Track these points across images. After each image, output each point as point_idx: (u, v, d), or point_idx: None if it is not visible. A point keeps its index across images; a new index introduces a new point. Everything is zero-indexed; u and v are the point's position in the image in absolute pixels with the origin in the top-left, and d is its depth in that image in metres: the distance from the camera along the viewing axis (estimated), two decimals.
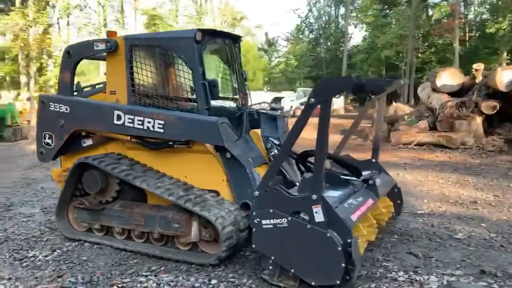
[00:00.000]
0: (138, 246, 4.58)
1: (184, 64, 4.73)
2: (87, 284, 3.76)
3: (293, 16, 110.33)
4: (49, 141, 5.35)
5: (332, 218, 3.59)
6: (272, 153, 5.24)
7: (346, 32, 40.94)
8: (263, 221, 3.73)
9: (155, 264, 4.23)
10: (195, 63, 4.62)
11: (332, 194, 4.29)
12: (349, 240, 3.48)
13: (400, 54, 33.96)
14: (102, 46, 5.02)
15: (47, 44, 32.04)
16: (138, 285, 3.72)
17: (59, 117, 5.20)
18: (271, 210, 3.69)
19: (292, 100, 28.90)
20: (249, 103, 5.56)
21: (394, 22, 33.86)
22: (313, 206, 3.58)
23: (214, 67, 5.36)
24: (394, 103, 16.42)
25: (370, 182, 4.59)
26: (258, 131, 5.46)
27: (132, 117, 4.72)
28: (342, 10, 47.99)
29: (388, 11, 37.60)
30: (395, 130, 13.69)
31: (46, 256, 4.43)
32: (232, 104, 5.38)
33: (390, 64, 38.05)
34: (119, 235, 4.77)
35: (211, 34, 4.99)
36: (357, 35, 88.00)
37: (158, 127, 4.61)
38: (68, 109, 5.15)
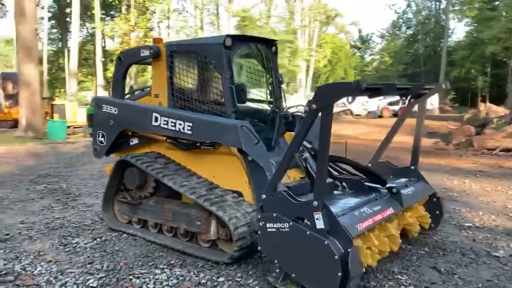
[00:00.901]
0: (166, 240, 4.88)
1: (214, 68, 4.94)
2: (109, 272, 4.11)
3: (389, 12, 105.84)
4: (102, 139, 5.90)
5: (334, 226, 3.53)
6: (304, 156, 5.25)
7: (446, 27, 38.40)
8: (268, 225, 3.77)
9: (177, 258, 4.47)
10: (223, 68, 4.79)
11: (348, 201, 4.20)
12: (348, 249, 3.41)
13: (509, 50, 31.04)
14: (146, 53, 5.39)
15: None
16: (151, 276, 3.98)
17: (109, 118, 5.71)
18: (274, 214, 3.74)
19: (380, 100, 27.93)
20: (285, 106, 5.61)
21: (504, 14, 30.99)
22: (314, 213, 3.55)
23: (245, 71, 5.48)
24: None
25: (394, 190, 4.38)
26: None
27: (166, 119, 5.03)
28: (443, 4, 45.13)
29: (497, 2, 34.56)
30: (479, 134, 12.63)
31: (86, 243, 4.91)
32: (266, 107, 5.47)
33: (496, 61, 35.01)
34: (153, 228, 5.13)
35: (242, 39, 5.13)
36: (459, 30, 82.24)
37: (187, 129, 4.85)
38: (116, 110, 5.63)
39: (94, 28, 37.31)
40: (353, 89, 3.36)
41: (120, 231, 5.31)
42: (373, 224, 3.88)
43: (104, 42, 44.96)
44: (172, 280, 3.90)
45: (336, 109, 31.42)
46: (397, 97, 29.49)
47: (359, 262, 3.47)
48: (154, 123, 5.16)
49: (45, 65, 35.14)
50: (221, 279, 3.94)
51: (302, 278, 3.62)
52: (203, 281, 3.89)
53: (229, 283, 3.86)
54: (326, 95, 3.44)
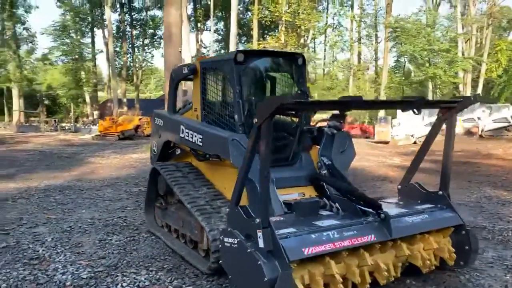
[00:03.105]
0: (175, 245, 5.17)
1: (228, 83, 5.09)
2: (108, 267, 4.57)
3: None
4: (155, 148, 6.54)
5: (276, 246, 3.36)
6: (321, 173, 5.01)
7: None
8: (225, 239, 3.77)
9: (174, 264, 4.71)
10: (233, 82, 4.91)
11: (325, 222, 3.89)
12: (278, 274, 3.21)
13: None
14: (186, 70, 5.84)
15: None
16: (134, 276, 4.31)
17: (158, 130, 6.32)
18: (229, 229, 3.72)
19: None
20: (310, 120, 5.42)
21: None
22: (257, 230, 3.44)
23: (263, 85, 5.45)
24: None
25: (382, 216, 3.88)
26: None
27: (188, 131, 5.36)
28: None
29: None
30: None
31: (117, 241, 5.51)
32: (289, 121, 5.37)
33: None
34: (173, 233, 5.47)
35: (257, 54, 5.17)
36: None
37: (199, 141, 5.11)
38: (162, 123, 6.20)
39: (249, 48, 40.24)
40: (276, 105, 3.18)
41: (152, 233, 5.80)
42: (332, 250, 3.52)
43: None
44: (145, 282, 4.17)
45: (495, 125, 27.70)
46: None
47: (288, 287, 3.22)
48: (181, 135, 5.53)
49: None
50: None
51: None
52: (170, 287, 4.05)
53: None
54: (263, 110, 3.32)
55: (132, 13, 50.98)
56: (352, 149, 5.25)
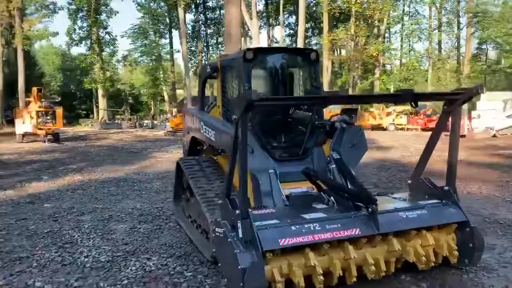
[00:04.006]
0: (193, 234, 5.48)
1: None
2: (127, 253, 5.00)
3: None
4: (185, 144, 6.92)
5: (253, 237, 3.53)
6: (329, 167, 5.05)
7: None
8: (216, 229, 3.99)
9: (184, 251, 5.03)
10: (241, 79, 5.11)
11: (313, 215, 3.95)
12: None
13: None
14: (209, 69, 6.13)
15: (366, 54, 34.74)
16: (144, 262, 4.69)
17: (187, 125, 6.69)
18: (218, 219, 3.94)
19: None
20: (323, 115, 5.45)
21: None
22: (238, 221, 3.63)
23: (272, 82, 5.54)
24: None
25: (369, 210, 3.86)
26: None
27: (206, 127, 5.66)
28: None
29: None
30: None
31: (144, 229, 5.95)
32: (302, 115, 5.45)
33: None
34: (193, 223, 5.80)
35: (267, 51, 5.30)
36: None
37: (213, 136, 5.39)
38: (190, 120, 6.55)
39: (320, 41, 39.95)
40: (245, 101, 3.31)
41: (178, 223, 6.18)
42: (310, 242, 3.60)
43: (335, 52, 47.32)
44: (151, 267, 4.52)
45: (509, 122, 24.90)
46: None
47: (258, 277, 3.36)
48: (201, 131, 5.84)
49: None
50: (188, 273, 4.34)
51: (228, 284, 3.73)
52: (172, 272, 4.37)
53: (189, 281, 4.21)
54: (237, 107, 3.48)
55: (207, 13, 52.78)
56: (363, 144, 5.21)
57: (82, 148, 18.75)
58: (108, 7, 41.33)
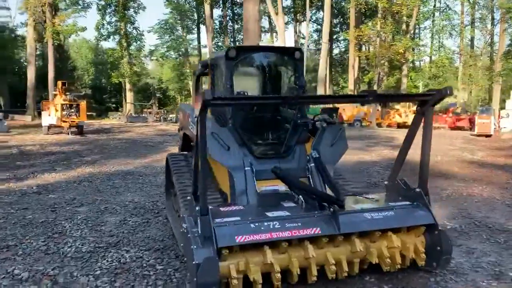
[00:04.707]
0: (176, 229, 5.59)
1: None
2: (108, 244, 5.17)
3: None
4: (180, 139, 7.05)
5: (210, 233, 3.61)
6: (308, 166, 5.06)
7: None
8: (183, 224, 4.09)
9: (164, 244, 5.16)
10: (222, 77, 5.19)
11: (277, 214, 3.99)
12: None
13: None
14: (200, 66, 6.23)
15: (392, 51, 34.05)
16: (122, 254, 4.84)
17: (180, 122, 6.82)
18: (182, 215, 4.03)
19: None
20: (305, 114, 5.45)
21: None
22: (198, 218, 3.72)
23: (258, 79, 5.57)
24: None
25: (331, 210, 3.87)
26: None
27: (192, 124, 5.77)
28: None
29: None
30: None
31: (133, 222, 6.13)
32: (286, 113, 5.47)
33: None
34: (179, 218, 5.92)
35: (251, 50, 5.34)
36: None
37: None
38: (181, 116, 6.68)
39: (346, 37, 39.45)
40: (204, 100, 3.39)
41: (166, 217, 6.32)
42: (267, 240, 3.64)
43: (364, 48, 46.68)
44: (126, 259, 4.67)
45: None
46: None
47: (211, 272, 3.44)
48: (189, 127, 5.96)
49: None
50: (159, 267, 4.46)
51: (187, 279, 3.83)
52: (145, 265, 4.51)
53: (158, 273, 4.33)
54: (201, 103, 3.56)
55: (234, 8, 52.92)
56: (343, 143, 5.20)
57: (102, 141, 19.24)
58: (136, 2, 42.13)
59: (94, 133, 23.75)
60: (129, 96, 43.92)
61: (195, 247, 3.55)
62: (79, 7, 40.64)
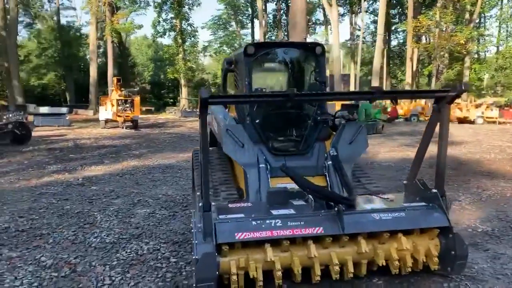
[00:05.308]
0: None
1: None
2: (132, 236, 5.38)
3: None
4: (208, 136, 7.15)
5: (211, 229, 3.66)
6: (325, 164, 4.99)
7: None
8: (191, 219, 4.18)
9: (184, 238, 5.27)
10: (242, 74, 5.21)
11: (282, 212, 3.97)
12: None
13: None
14: (225, 63, 6.29)
15: (452, 41, 32.39)
16: (141, 245, 5.02)
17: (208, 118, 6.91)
18: (192, 211, 4.12)
19: None
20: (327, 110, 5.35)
21: None
22: (200, 214, 3.78)
23: (274, 76, 5.52)
24: None
25: (336, 209, 3.78)
26: None
27: (214, 120, 5.84)
28: None
29: None
30: None
31: (160, 215, 6.32)
32: (305, 110, 5.41)
33: None
34: None
35: (271, 46, 5.31)
36: None
37: (217, 130, 5.55)
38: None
39: (403, 28, 37.98)
40: (201, 98, 3.44)
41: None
42: (267, 238, 3.63)
43: (425, 39, 44.83)
44: (143, 251, 4.84)
45: None
46: None
47: (210, 267, 3.48)
48: (213, 123, 6.04)
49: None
50: (173, 259, 4.59)
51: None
52: (159, 257, 4.65)
53: (170, 266, 4.46)
54: (200, 100, 3.61)
55: (288, 1, 52.57)
56: (363, 141, 5.05)
57: (153, 135, 19.94)
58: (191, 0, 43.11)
59: (147, 128, 24.65)
60: (184, 91, 45.08)
61: (196, 242, 3.61)
62: (137, 5, 42.19)
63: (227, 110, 6.26)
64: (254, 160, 4.84)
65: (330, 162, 4.92)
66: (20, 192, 8.00)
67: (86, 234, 5.47)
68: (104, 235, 5.42)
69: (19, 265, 4.50)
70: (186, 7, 42.65)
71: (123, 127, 22.58)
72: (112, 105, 22.90)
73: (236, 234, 3.62)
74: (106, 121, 23.66)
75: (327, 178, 4.91)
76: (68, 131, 21.90)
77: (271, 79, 5.62)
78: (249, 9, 50.22)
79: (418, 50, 41.43)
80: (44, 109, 30.38)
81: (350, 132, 5.00)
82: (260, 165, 4.82)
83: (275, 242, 3.73)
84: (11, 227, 5.77)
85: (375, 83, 36.56)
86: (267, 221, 3.75)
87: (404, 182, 4.60)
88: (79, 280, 4.14)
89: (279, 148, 5.18)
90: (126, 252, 4.85)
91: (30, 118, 25.09)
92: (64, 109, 31.16)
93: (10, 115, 16.06)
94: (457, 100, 26.80)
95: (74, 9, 76.87)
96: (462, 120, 31.31)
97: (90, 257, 4.71)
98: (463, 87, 3.72)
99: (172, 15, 42.42)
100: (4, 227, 5.78)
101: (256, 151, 4.91)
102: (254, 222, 3.74)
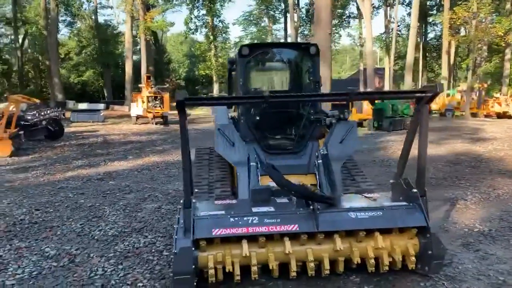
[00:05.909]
0: None
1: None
2: (136, 230, 5.65)
3: None
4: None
5: (190, 225, 3.84)
6: (315, 163, 5.08)
7: None
8: (177, 216, 4.37)
9: None
10: (237, 74, 5.37)
11: (260, 209, 4.09)
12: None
13: None
14: (228, 63, 6.46)
15: (490, 33, 31.07)
16: (140, 239, 5.28)
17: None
18: (180, 207, 4.31)
19: None
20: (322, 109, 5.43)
21: None
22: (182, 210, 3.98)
23: (270, 76, 5.62)
24: None
25: (311, 208, 3.87)
26: None
27: (214, 118, 6.02)
28: None
29: None
30: None
31: (165, 210, 6.57)
32: (301, 110, 5.50)
33: None
34: None
35: (265, 47, 5.43)
36: None
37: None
38: (213, 111, 6.95)
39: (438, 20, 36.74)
40: (177, 100, 3.62)
41: None
42: (242, 234, 3.78)
43: (458, 31, 43.31)
44: (140, 244, 5.09)
45: None
46: None
47: (186, 262, 3.65)
48: (214, 121, 6.22)
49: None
50: (166, 253, 4.81)
51: None
52: (153, 250, 4.88)
53: (161, 259, 4.68)
54: (176, 102, 3.79)
55: None
56: (354, 140, 5.10)
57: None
58: None
59: (177, 124, 25.12)
60: (216, 87, 45.60)
61: (176, 237, 3.80)
62: (169, 3, 42.95)
63: (232, 109, 6.45)
64: (244, 159, 4.98)
65: (320, 161, 5.01)
66: (42, 186, 8.48)
67: (91, 227, 5.79)
68: (108, 228, 5.71)
69: (25, 255, 4.84)
70: (218, 3, 43.06)
71: (153, 123, 23.21)
72: (143, 102, 23.57)
73: (213, 230, 3.78)
74: (137, 117, 24.36)
75: (317, 176, 4.99)
76: (100, 127, 22.73)
77: (267, 79, 5.74)
78: (282, 3, 50.06)
79: (454, 43, 40.11)
80: (82, 105, 31.53)
81: (341, 131, 5.06)
82: (251, 164, 4.95)
83: (254, 239, 3.87)
84: (26, 219, 6.18)
85: (408, 77, 35.74)
86: (245, 218, 3.89)
87: (391, 181, 4.62)
88: (75, 270, 4.42)
89: (272, 146, 5.30)
90: (124, 245, 5.11)
91: (68, 114, 26.20)
92: (101, 105, 32.20)
93: (48, 111, 16.86)
94: (495, 95, 25.81)
95: (111, 7, 79.20)
96: (502, 115, 30.20)
97: (91, 249, 5.00)
98: (438, 89, 3.73)
99: (204, 12, 42.95)
100: (20, 219, 6.19)
101: (247, 150, 5.05)
102: (231, 219, 3.89)
